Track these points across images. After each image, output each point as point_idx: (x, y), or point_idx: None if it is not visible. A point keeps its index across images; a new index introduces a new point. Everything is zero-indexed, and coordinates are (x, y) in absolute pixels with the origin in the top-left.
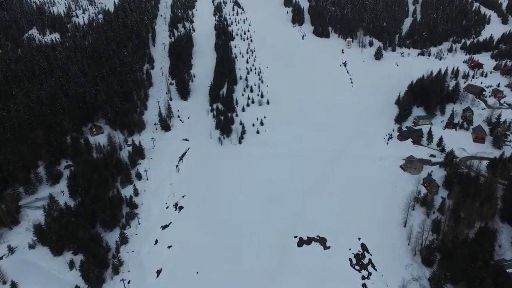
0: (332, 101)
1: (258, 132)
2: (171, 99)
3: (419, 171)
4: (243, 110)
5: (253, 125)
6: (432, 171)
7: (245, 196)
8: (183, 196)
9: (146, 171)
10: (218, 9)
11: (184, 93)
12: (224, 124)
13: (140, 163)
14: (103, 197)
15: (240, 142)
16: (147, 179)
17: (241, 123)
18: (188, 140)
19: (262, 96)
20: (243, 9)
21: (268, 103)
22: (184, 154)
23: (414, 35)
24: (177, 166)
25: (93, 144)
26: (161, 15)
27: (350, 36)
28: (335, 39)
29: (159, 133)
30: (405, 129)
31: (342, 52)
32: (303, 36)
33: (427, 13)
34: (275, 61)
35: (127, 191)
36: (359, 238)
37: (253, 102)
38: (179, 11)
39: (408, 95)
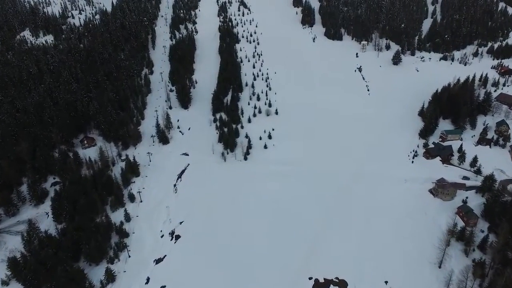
0: (347, 110)
1: (265, 146)
2: (170, 108)
3: (452, 197)
4: (249, 121)
5: (260, 138)
6: (467, 198)
7: (250, 224)
8: (180, 223)
9: (139, 192)
10: (222, 9)
11: (185, 101)
12: (228, 137)
13: (134, 182)
14: (89, 225)
15: (245, 158)
16: (141, 201)
17: (246, 136)
18: (188, 155)
19: (270, 105)
20: (249, 9)
21: (276, 113)
22: (183, 172)
23: (435, 37)
24: (175, 185)
25: (83, 158)
26: (162, 16)
27: (365, 39)
28: (349, 42)
29: (156, 146)
30: (432, 146)
31: (357, 56)
32: (313, 39)
33: (448, 14)
34: (283, 66)
35: (117, 216)
36: (386, 282)
37: (260, 112)
38: (181, 11)
39: (433, 105)
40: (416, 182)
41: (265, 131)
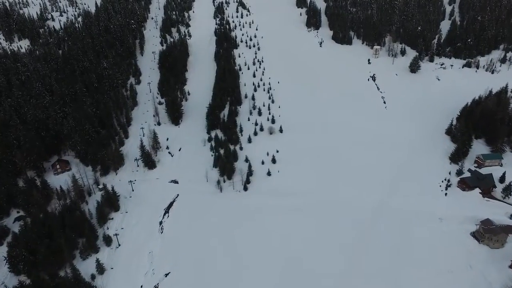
0: (361, 126)
1: (269, 173)
2: (159, 124)
3: (502, 243)
4: (249, 141)
5: (263, 162)
6: None
7: (253, 277)
8: (166, 275)
9: (117, 234)
10: (219, 11)
11: (176, 116)
12: (225, 161)
13: (112, 218)
14: (50, 283)
15: (245, 188)
16: (118, 245)
17: (246, 160)
18: (177, 183)
19: (273, 121)
20: (248, 11)
21: (281, 131)
22: (171, 205)
23: (455, 41)
24: (160, 223)
25: (53, 188)
26: (152, 18)
27: (377, 43)
28: (359, 46)
29: (140, 171)
30: (468, 173)
31: (369, 63)
32: (320, 43)
33: (469, 15)
34: (287, 74)
35: (88, 266)
36: None
37: (261, 129)
38: (174, 12)
39: (464, 122)
40: (454, 222)
41: (268, 154)
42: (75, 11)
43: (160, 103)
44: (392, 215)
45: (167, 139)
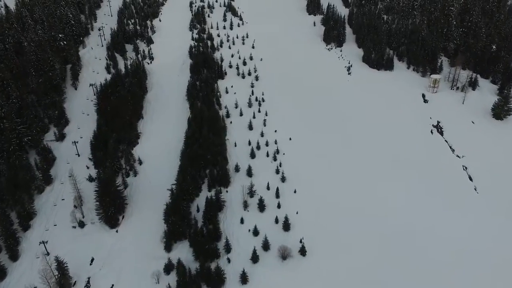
0: (444, 236)
1: None
2: (81, 225)
3: None
4: (245, 280)
5: None
6: None
7: None
8: None
9: None
10: (198, 19)
11: (112, 211)
12: None
13: None
14: None
15: None
16: None
17: None
18: None
19: (286, 227)
20: (241, 19)
21: (303, 253)
22: None
23: None
24: None
25: None
26: (100, 29)
27: (430, 68)
28: (404, 73)
29: None
30: None
31: (425, 101)
32: (348, 68)
33: None
34: (303, 124)
35: None
36: None
37: (266, 248)
38: (131, 21)
39: None
40: None
41: None
42: None
43: (91, 179)
44: None
45: (92, 260)
